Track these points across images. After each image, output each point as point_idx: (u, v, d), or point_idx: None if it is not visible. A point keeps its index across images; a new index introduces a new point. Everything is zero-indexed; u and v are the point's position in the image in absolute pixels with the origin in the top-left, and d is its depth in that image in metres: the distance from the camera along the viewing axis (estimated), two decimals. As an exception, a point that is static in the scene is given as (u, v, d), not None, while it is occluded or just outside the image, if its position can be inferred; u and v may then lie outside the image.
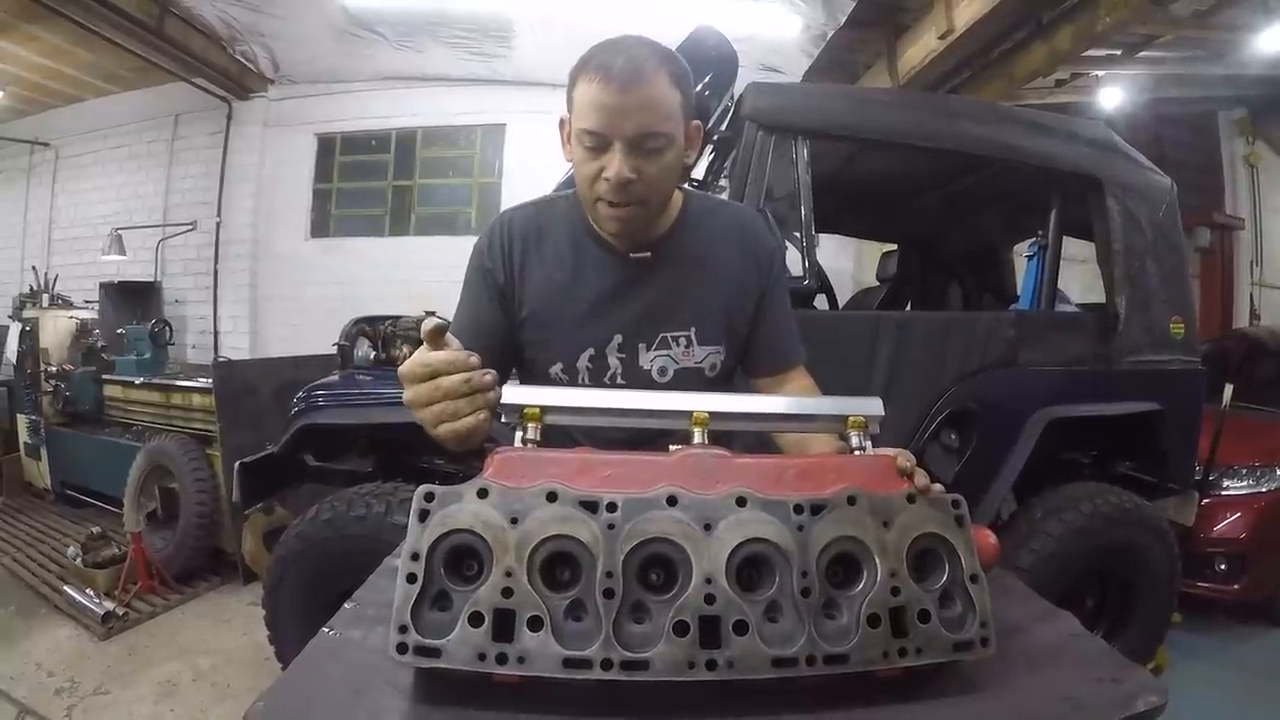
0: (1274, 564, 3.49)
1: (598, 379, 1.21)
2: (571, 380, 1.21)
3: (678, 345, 1.21)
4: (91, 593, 3.54)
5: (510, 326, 1.22)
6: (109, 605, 3.40)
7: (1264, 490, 3.49)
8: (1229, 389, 3.24)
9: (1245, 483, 3.51)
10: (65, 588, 3.65)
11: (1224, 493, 3.47)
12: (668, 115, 1.05)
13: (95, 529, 4.02)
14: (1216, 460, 3.28)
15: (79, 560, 3.77)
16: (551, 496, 0.74)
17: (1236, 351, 4.91)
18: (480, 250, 1.23)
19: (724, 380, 1.26)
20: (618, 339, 1.20)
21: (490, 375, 0.84)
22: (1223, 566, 3.41)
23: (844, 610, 0.76)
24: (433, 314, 0.91)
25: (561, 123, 1.13)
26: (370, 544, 2.29)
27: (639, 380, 1.21)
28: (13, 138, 7.72)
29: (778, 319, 1.27)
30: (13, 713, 2.62)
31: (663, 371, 1.22)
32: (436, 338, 0.82)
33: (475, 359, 0.84)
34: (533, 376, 1.25)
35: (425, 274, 6.22)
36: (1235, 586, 3.40)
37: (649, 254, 1.18)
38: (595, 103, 1.02)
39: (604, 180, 1.05)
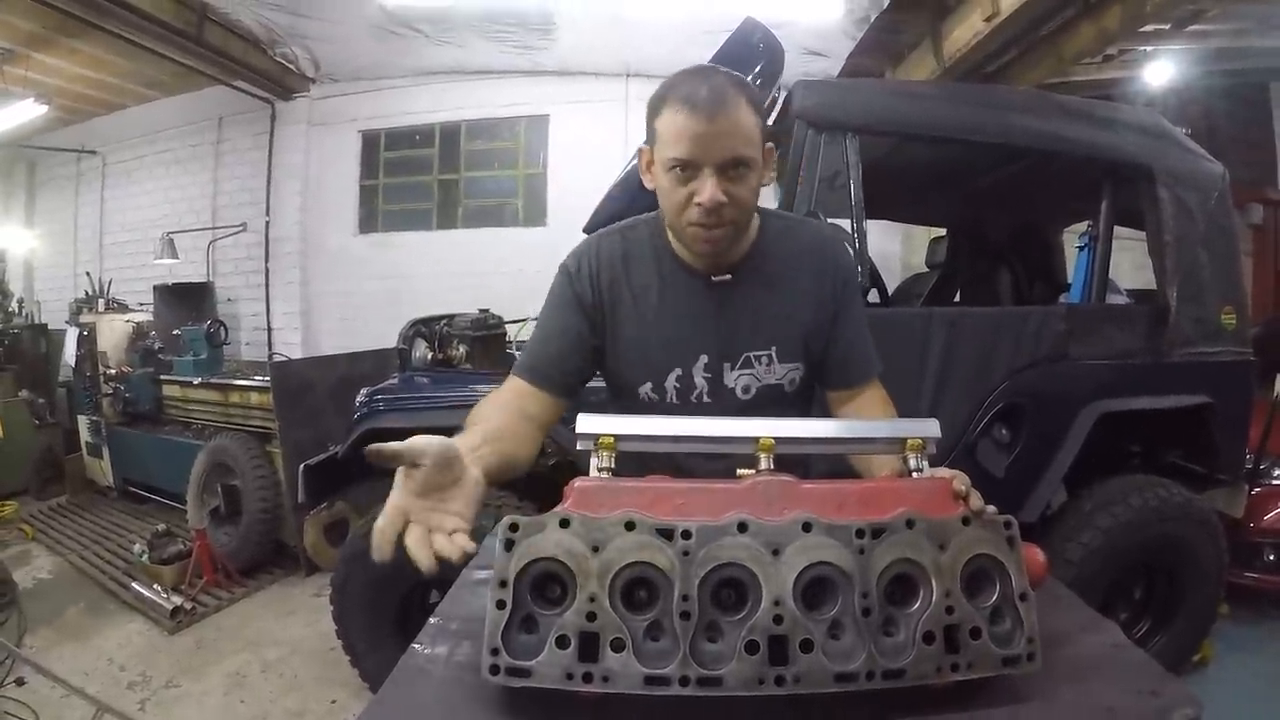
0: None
1: (685, 398, 1.26)
2: (661, 399, 1.26)
3: (760, 364, 1.25)
4: (159, 588, 3.68)
5: (592, 341, 1.27)
6: (176, 600, 3.54)
7: (1315, 480, 3.40)
8: (1280, 380, 3.18)
9: (1296, 473, 3.43)
10: (133, 583, 3.81)
11: (1275, 482, 3.39)
12: (751, 139, 1.09)
13: (160, 526, 4.20)
14: (1267, 450, 3.22)
15: (145, 557, 3.92)
16: (630, 525, 0.80)
17: (1288, 334, 4.77)
18: (569, 272, 1.28)
19: (803, 395, 1.30)
20: (704, 359, 1.25)
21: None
22: (1271, 557, 3.34)
23: (901, 628, 0.81)
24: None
25: (640, 152, 1.19)
26: None
27: (724, 398, 1.25)
28: (60, 147, 7.88)
29: (851, 336, 1.29)
30: (89, 711, 2.68)
31: (746, 390, 1.26)
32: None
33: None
34: (622, 396, 1.31)
35: (475, 266, 6.35)
36: (1283, 578, 3.33)
37: (729, 276, 1.23)
38: (684, 131, 1.06)
39: (696, 205, 1.09)
